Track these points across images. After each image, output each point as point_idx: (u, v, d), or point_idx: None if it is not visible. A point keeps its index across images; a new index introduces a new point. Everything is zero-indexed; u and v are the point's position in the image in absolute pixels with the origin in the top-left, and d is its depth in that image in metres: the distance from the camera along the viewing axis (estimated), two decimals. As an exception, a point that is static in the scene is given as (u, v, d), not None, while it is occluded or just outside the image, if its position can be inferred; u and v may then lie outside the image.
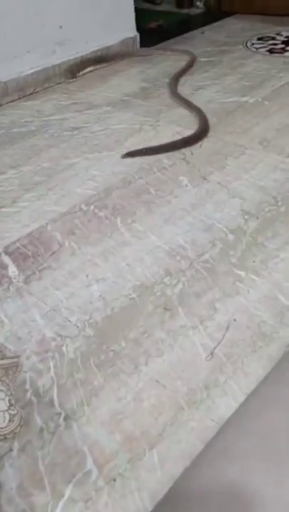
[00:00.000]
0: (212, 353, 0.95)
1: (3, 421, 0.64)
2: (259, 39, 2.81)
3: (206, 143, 1.70)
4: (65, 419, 0.85)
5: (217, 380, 0.90)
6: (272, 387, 0.53)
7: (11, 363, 0.71)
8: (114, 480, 0.76)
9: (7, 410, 0.65)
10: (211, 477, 0.45)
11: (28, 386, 0.90)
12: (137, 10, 2.65)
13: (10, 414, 0.65)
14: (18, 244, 1.27)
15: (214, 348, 0.96)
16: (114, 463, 0.78)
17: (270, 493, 0.42)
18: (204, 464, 0.47)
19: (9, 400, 0.66)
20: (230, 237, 1.24)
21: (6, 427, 0.64)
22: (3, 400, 0.65)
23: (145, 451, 0.79)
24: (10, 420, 0.65)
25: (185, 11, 3.56)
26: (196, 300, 1.07)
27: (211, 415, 0.84)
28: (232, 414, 0.50)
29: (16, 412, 0.66)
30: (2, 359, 0.69)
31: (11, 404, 0.66)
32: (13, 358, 0.73)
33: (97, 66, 2.11)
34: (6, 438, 0.65)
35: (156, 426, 0.83)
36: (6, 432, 0.64)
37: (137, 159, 1.62)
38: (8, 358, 0.71)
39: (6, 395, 0.65)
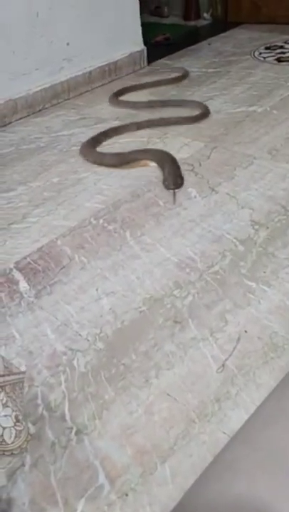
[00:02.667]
0: (223, 365, 0.94)
1: (10, 437, 0.64)
2: (267, 48, 2.81)
3: (214, 153, 1.70)
4: (76, 433, 0.85)
5: (228, 392, 0.89)
6: (281, 399, 0.53)
7: (18, 379, 0.72)
8: (127, 494, 0.76)
9: (13, 426, 0.65)
10: (218, 491, 0.45)
11: (39, 401, 0.91)
12: (144, 23, 2.68)
13: (16, 430, 0.66)
14: (28, 259, 1.28)
15: (225, 360, 0.95)
16: (126, 477, 0.78)
17: (278, 507, 0.41)
18: (212, 477, 0.47)
19: (16, 416, 0.66)
20: (240, 247, 1.24)
21: (12, 442, 0.65)
22: (10, 415, 0.65)
23: (157, 465, 0.79)
24: (16, 436, 0.65)
25: (192, 23, 3.58)
26: (206, 312, 1.07)
27: (223, 428, 0.83)
28: (240, 427, 0.50)
29: (22, 427, 0.66)
30: (8, 375, 0.70)
31: (17, 420, 0.66)
32: (19, 373, 0.74)
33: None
34: (12, 454, 0.65)
35: (168, 439, 0.83)
36: (13, 448, 0.65)
37: (147, 173, 1.63)
38: (14, 373, 0.72)
39: (13, 410, 0.66)
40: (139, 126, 1.97)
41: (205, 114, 2.03)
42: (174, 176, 1.53)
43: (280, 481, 0.43)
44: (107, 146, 1.85)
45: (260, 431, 0.48)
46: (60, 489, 0.78)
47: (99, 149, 1.82)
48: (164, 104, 2.19)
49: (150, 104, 2.18)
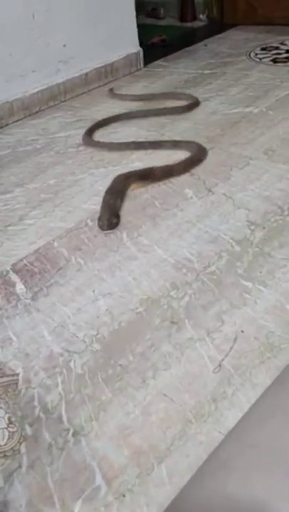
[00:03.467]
0: (220, 365, 0.94)
1: (3, 438, 0.64)
2: (262, 49, 2.82)
3: (210, 154, 1.70)
4: (73, 434, 0.85)
5: (225, 392, 0.89)
6: (276, 396, 0.53)
7: (11, 381, 0.72)
8: (124, 495, 0.76)
9: (6, 428, 0.65)
10: (212, 489, 0.45)
11: (36, 402, 0.90)
12: (140, 25, 2.68)
13: (9, 432, 0.66)
14: (25, 261, 1.28)
15: (222, 360, 0.96)
16: (123, 478, 0.78)
17: (273, 505, 0.41)
18: (206, 475, 0.47)
19: (9, 418, 0.66)
20: (237, 248, 1.24)
21: (5, 444, 0.65)
22: (3, 417, 0.65)
23: (154, 466, 0.79)
24: (9, 438, 0.65)
25: (188, 24, 3.59)
26: (202, 312, 1.07)
27: (220, 428, 0.83)
28: (235, 425, 0.50)
29: (15, 429, 0.66)
30: (2, 377, 0.70)
31: (10, 422, 0.66)
32: (12, 375, 0.74)
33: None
34: (5, 455, 0.65)
35: (165, 440, 0.83)
36: (5, 449, 0.65)
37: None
38: (7, 375, 0.72)
39: (6, 412, 0.66)
40: (135, 115, 2.09)
41: (195, 103, 2.11)
42: (109, 213, 1.39)
43: (275, 479, 0.43)
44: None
45: (254, 428, 0.48)
46: (57, 491, 0.78)
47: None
48: (154, 97, 2.28)
49: (143, 97, 2.28)
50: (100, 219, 1.38)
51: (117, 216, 1.39)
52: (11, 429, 0.66)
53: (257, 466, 0.44)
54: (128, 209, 1.45)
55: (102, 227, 1.36)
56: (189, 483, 0.48)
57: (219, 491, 0.44)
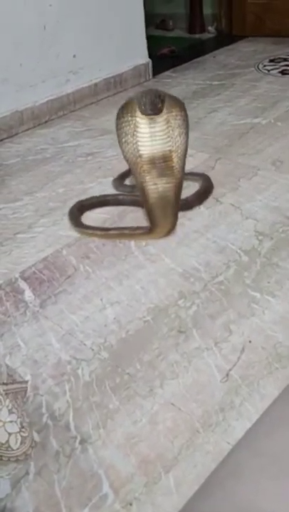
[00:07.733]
0: (227, 375, 0.94)
1: (15, 443, 0.65)
2: (271, 61, 2.83)
3: (218, 164, 1.71)
4: (80, 442, 0.85)
5: (233, 402, 0.89)
6: (285, 406, 0.53)
7: (20, 388, 0.72)
8: (131, 504, 0.76)
9: (19, 432, 0.66)
10: (221, 497, 0.45)
11: (44, 410, 0.91)
12: (149, 37, 2.70)
13: (22, 437, 0.66)
14: (34, 269, 1.29)
15: (229, 370, 0.96)
16: (130, 487, 0.78)
17: (282, 514, 0.41)
18: (215, 484, 0.47)
19: (21, 422, 0.67)
20: (245, 258, 1.25)
21: (18, 448, 0.65)
22: (15, 421, 0.66)
23: (161, 475, 0.79)
24: (22, 442, 0.65)
25: (197, 36, 3.61)
26: (210, 322, 1.07)
27: (227, 438, 0.83)
28: (244, 434, 0.50)
29: (27, 434, 0.67)
30: (12, 383, 0.70)
31: (22, 427, 0.67)
32: (21, 383, 0.74)
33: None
34: (18, 460, 0.65)
35: (172, 449, 0.83)
36: (18, 454, 0.65)
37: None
38: (17, 382, 0.72)
39: (18, 417, 0.66)
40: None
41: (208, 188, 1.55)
42: (153, 95, 1.12)
43: (284, 488, 0.43)
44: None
45: (263, 437, 0.48)
46: (64, 498, 0.78)
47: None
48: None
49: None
50: (141, 103, 1.12)
51: (162, 100, 1.12)
52: (23, 434, 0.66)
53: (266, 475, 0.44)
54: (135, 218, 1.46)
55: (144, 112, 1.11)
56: (198, 491, 0.48)
57: (227, 499, 0.44)
